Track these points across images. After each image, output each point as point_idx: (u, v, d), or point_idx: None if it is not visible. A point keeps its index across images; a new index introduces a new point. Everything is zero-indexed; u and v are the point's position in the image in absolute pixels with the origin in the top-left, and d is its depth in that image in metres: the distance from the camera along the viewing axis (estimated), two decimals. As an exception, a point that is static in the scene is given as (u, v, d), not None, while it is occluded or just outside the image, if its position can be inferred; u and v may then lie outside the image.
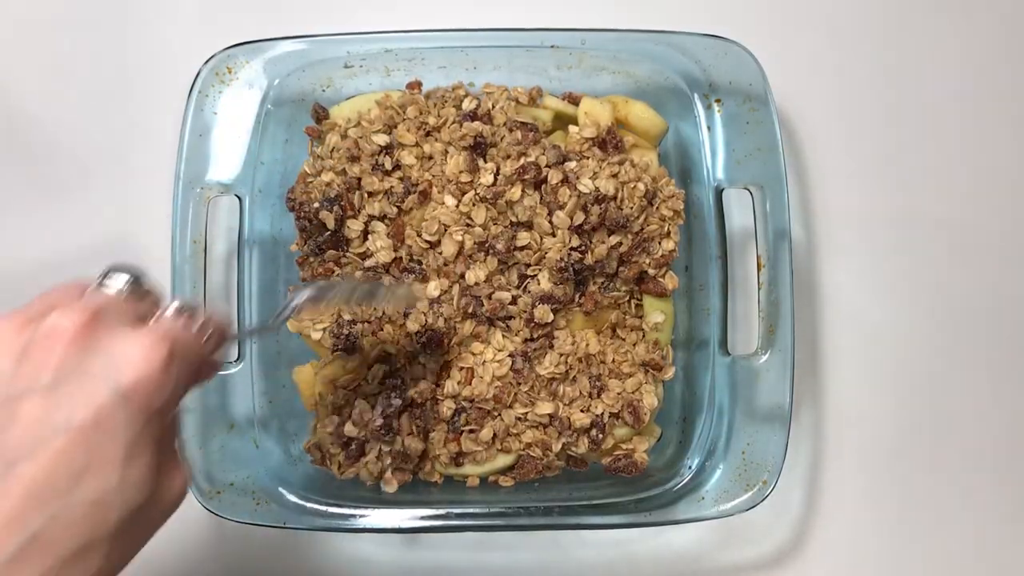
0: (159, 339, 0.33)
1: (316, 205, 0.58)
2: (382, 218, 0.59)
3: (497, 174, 0.58)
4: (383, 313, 0.58)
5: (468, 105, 0.60)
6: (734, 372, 0.58)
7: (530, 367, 0.58)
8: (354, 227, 0.58)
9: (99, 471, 0.31)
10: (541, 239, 0.58)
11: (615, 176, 0.58)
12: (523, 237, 0.58)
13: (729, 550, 0.65)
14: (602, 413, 0.58)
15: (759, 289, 0.58)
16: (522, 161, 0.57)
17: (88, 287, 0.36)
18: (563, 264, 0.57)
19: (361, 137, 0.59)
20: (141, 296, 0.37)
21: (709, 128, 0.60)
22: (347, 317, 0.58)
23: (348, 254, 0.59)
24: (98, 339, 0.33)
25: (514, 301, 0.58)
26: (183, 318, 0.36)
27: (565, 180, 0.58)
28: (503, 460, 0.59)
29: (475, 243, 0.58)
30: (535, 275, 0.58)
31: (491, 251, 0.58)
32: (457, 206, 0.58)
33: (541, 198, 0.58)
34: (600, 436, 0.58)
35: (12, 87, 0.68)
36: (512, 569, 0.64)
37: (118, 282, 0.37)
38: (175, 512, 0.36)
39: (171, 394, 0.34)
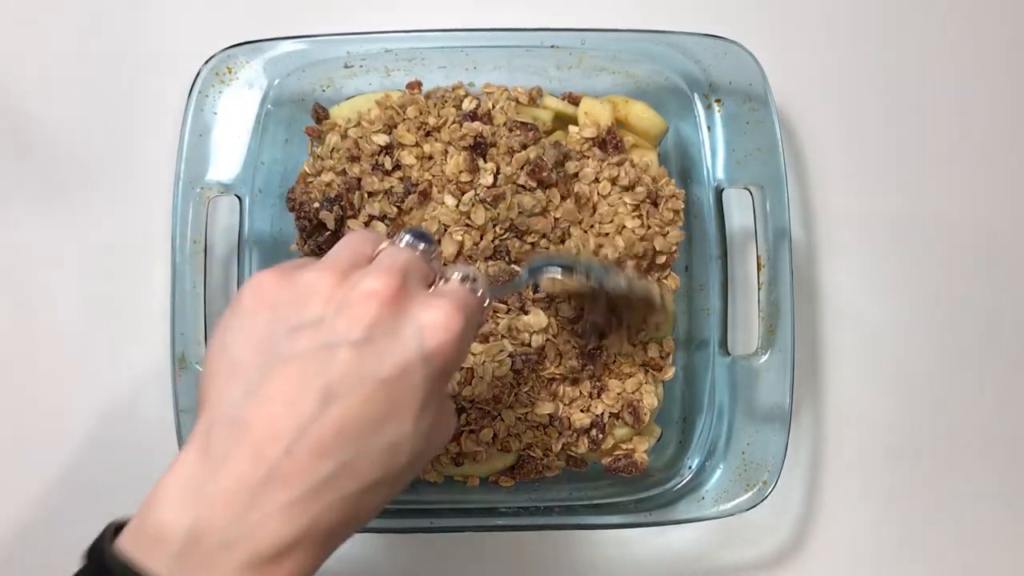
0: (458, 309, 0.37)
1: (316, 205, 0.58)
2: (382, 218, 0.59)
3: (497, 174, 0.58)
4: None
5: (468, 105, 0.60)
6: (734, 372, 0.58)
7: (530, 367, 0.58)
8: (354, 227, 0.58)
9: (398, 419, 0.35)
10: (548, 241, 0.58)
11: (615, 178, 0.59)
12: (530, 237, 0.58)
13: (729, 550, 0.65)
14: (602, 413, 0.58)
15: (759, 289, 0.58)
16: (528, 154, 0.58)
17: (381, 239, 0.41)
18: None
19: (361, 137, 0.59)
20: (429, 259, 0.41)
21: (709, 128, 0.60)
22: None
23: (348, 254, 0.59)
24: (406, 304, 0.37)
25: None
26: (467, 285, 0.40)
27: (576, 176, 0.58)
28: (503, 460, 0.59)
29: (474, 244, 0.58)
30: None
31: (496, 255, 0.58)
32: (457, 206, 0.58)
33: (562, 198, 0.58)
34: (600, 436, 0.58)
35: (12, 87, 0.68)
36: (512, 569, 0.64)
37: (416, 243, 0.40)
38: None
39: (462, 360, 0.38)
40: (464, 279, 0.40)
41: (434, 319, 0.36)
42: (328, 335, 0.35)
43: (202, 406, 0.36)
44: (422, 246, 0.40)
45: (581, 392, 0.58)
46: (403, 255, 0.39)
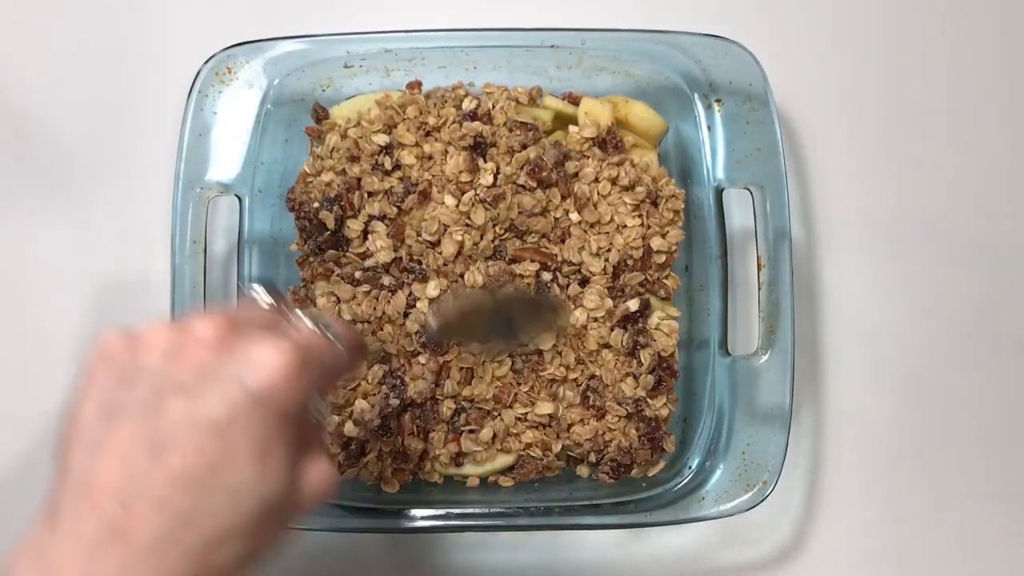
0: (292, 346, 0.35)
1: (316, 205, 0.58)
2: (382, 218, 0.59)
3: (497, 174, 0.58)
4: (383, 313, 0.58)
5: (468, 105, 0.60)
6: (734, 372, 0.58)
7: (530, 367, 0.58)
8: (354, 227, 0.58)
9: (235, 464, 0.34)
10: (549, 242, 0.58)
11: (615, 177, 0.59)
12: (530, 237, 0.58)
13: (729, 550, 0.65)
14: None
15: (759, 289, 0.58)
16: (528, 154, 0.58)
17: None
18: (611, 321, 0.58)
19: (361, 137, 0.59)
20: (276, 308, 0.41)
21: (709, 128, 0.60)
22: (348, 316, 0.58)
23: (348, 254, 0.59)
24: (234, 345, 0.35)
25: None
26: (316, 328, 0.39)
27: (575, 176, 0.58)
28: (503, 460, 0.59)
29: (474, 244, 0.58)
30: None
31: (496, 256, 0.58)
32: (457, 206, 0.58)
33: (563, 198, 0.58)
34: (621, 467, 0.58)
35: (13, 87, 0.68)
36: (512, 569, 0.64)
37: (255, 293, 0.41)
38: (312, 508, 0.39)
39: (302, 398, 0.36)
40: (315, 322, 0.39)
41: (261, 356, 0.35)
42: (160, 384, 0.34)
43: (55, 475, 0.35)
44: (262, 294, 0.41)
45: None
46: (240, 305, 0.38)
